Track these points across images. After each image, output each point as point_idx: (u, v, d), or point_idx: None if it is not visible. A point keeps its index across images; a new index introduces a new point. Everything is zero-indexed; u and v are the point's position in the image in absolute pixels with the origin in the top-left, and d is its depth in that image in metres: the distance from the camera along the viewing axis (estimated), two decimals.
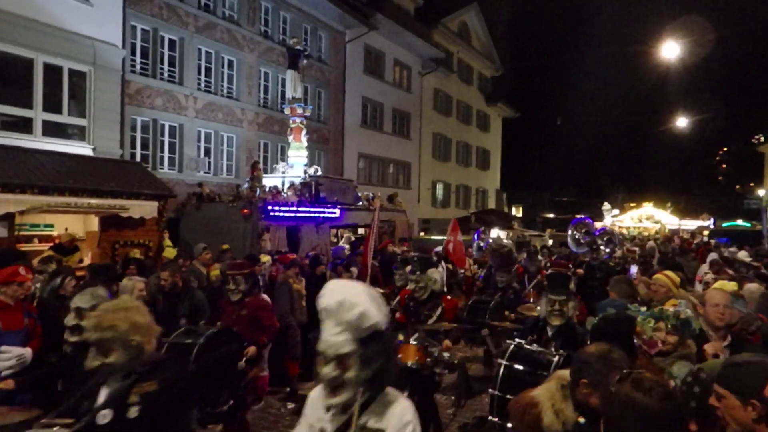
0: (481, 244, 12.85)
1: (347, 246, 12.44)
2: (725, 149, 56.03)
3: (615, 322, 2.82)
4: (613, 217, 37.23)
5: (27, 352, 4.21)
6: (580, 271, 9.41)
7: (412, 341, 4.55)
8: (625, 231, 33.98)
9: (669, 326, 2.85)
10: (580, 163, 51.72)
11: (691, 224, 35.94)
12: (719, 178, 56.61)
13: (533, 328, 4.56)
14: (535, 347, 4.25)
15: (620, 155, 57.46)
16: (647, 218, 35.67)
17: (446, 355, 4.74)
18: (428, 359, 4.60)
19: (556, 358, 3.99)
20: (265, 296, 5.84)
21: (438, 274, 5.25)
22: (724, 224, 37.31)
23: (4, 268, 4.42)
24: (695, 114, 33.76)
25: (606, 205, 37.81)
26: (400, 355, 4.58)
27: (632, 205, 40.30)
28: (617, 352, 2.27)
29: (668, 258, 10.97)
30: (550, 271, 7.20)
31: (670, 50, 14.13)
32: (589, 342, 3.05)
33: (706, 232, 30.93)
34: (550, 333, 4.35)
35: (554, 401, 2.27)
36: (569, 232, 11.49)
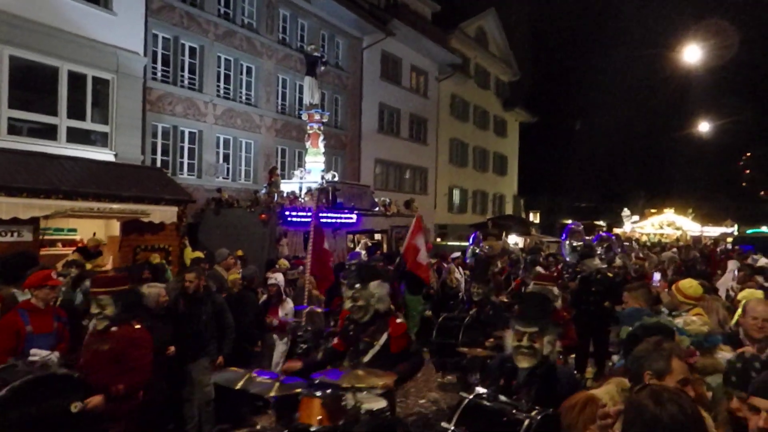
0: (476, 250, 11.55)
1: (363, 251, 12.45)
2: (749, 154, 54.83)
3: (655, 331, 2.73)
4: (633, 223, 36.72)
5: (54, 355, 4.28)
6: (573, 284, 8.42)
7: (318, 394, 3.27)
8: (645, 237, 33.45)
9: (689, 345, 2.81)
10: (600, 169, 51.08)
11: (713, 231, 35.27)
12: (743, 183, 55.39)
13: (500, 369, 3.28)
14: (501, 400, 2.98)
15: (641, 160, 56.64)
16: (668, 224, 35.09)
17: (369, 407, 3.33)
18: (340, 417, 3.25)
19: (526, 422, 2.69)
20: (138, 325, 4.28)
21: (383, 288, 4.00)
22: (749, 231, 36.48)
23: (38, 271, 4.52)
24: (718, 118, 33.16)
25: (626, 211, 37.32)
26: (298, 414, 3.30)
27: (653, 211, 39.67)
28: (669, 341, 2.27)
29: (690, 267, 10.69)
30: (531, 287, 5.96)
31: (693, 54, 13.94)
32: (621, 354, 2.99)
33: (729, 239, 30.27)
34: (521, 377, 3.14)
35: (615, 402, 2.23)
36: (565, 242, 10.24)
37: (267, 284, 7.16)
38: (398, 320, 4.05)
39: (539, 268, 8.81)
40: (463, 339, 5.74)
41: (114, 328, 4.01)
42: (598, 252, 9.65)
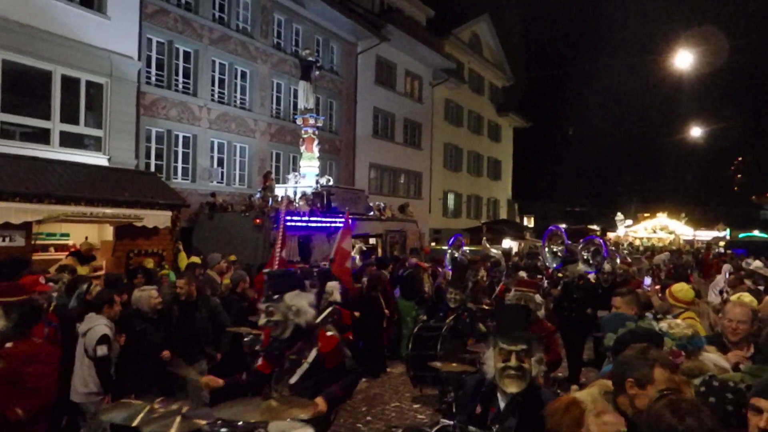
0: (456, 254, 10.57)
1: (357, 256, 12.44)
2: (740, 159, 55.37)
3: (644, 337, 2.71)
4: (626, 227, 36.94)
5: None
6: (555, 290, 8.03)
7: (223, 431, 2.86)
8: (638, 242, 33.65)
9: (673, 346, 2.82)
10: (593, 173, 51.48)
11: (706, 235, 35.55)
12: (734, 188, 55.89)
13: (475, 395, 2.82)
14: (471, 431, 2.63)
15: (634, 165, 57.09)
16: (661, 229, 35.35)
17: None
18: None
19: None
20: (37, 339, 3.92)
21: (305, 299, 3.51)
22: (741, 235, 36.79)
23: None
24: (710, 123, 33.47)
25: (619, 216, 37.53)
26: None
27: (646, 215, 39.94)
28: (655, 350, 2.25)
29: (681, 271, 10.70)
30: (512, 294, 5.06)
31: (684, 60, 14.08)
32: (610, 358, 2.97)
33: (722, 243, 30.50)
34: (502, 404, 2.71)
35: (597, 405, 2.22)
36: (544, 246, 9.54)
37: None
38: (329, 333, 3.55)
39: (522, 273, 8.09)
40: (441, 350, 5.24)
41: (8, 344, 3.46)
42: (585, 257, 9.26)
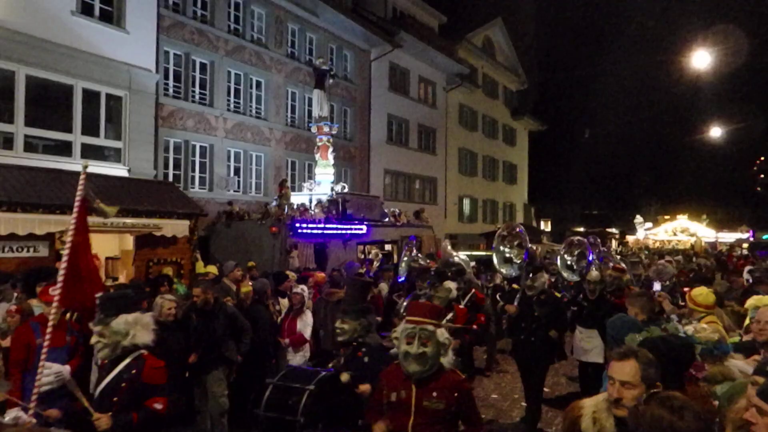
0: (410, 262, 8.20)
1: (358, 263, 12.43)
2: (762, 158, 54.22)
3: (679, 348, 2.60)
4: (646, 230, 36.39)
5: (65, 369, 4.33)
6: (512, 308, 6.33)
7: None
8: (658, 245, 33.10)
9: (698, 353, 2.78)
10: (611, 176, 50.91)
11: (728, 237, 34.84)
12: (757, 188, 54.72)
13: None
14: None
15: (653, 166, 56.32)
16: (682, 231, 34.71)
17: None
18: None
19: None
20: None
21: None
22: (765, 236, 35.99)
23: (48, 286, 4.59)
24: (730, 123, 32.86)
25: (638, 218, 36.99)
26: None
27: (666, 217, 39.32)
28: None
29: (694, 275, 10.44)
30: (400, 328, 3.20)
31: (702, 59, 13.87)
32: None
33: (745, 245, 29.84)
34: None
35: (597, 410, 2.31)
36: (495, 246, 7.30)
37: (292, 292, 7.17)
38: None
39: (449, 284, 5.70)
40: (302, 415, 3.57)
41: None
42: (569, 262, 7.74)
